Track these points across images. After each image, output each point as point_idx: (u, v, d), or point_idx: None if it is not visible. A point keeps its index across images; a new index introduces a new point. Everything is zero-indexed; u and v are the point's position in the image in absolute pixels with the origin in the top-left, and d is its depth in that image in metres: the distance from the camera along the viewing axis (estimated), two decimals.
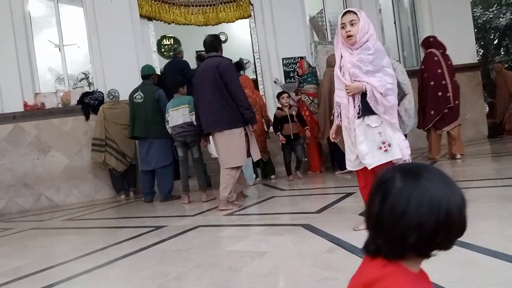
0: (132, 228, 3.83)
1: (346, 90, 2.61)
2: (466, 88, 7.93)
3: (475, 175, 4.11)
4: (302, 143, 5.76)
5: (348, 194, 3.98)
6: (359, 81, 2.56)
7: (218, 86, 3.91)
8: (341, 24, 2.64)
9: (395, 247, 0.75)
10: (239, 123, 3.95)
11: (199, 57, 7.73)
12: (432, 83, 5.38)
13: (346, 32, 2.59)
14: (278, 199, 4.45)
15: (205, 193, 4.91)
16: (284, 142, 5.48)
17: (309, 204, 3.99)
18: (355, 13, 2.60)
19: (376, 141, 2.53)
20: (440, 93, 5.29)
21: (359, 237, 2.51)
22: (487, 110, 9.28)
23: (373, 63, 2.53)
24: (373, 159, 2.54)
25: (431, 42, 5.62)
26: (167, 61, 10.61)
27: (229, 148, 3.98)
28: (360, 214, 3.02)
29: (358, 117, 2.58)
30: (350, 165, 2.75)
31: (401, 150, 2.50)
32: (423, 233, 0.72)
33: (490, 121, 8.34)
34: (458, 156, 5.44)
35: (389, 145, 2.50)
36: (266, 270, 2.12)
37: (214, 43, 4.15)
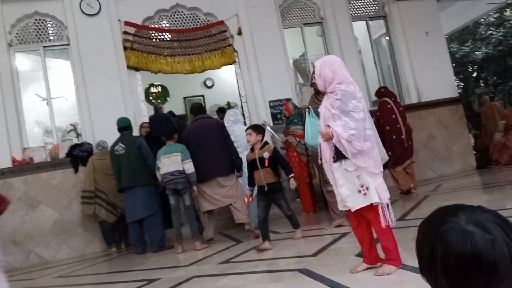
0: (124, 283, 3.73)
1: (321, 137, 2.71)
2: (450, 121, 8.12)
3: None
4: (284, 197, 4.21)
5: (344, 235, 3.95)
6: (329, 126, 2.64)
7: (220, 140, 4.91)
8: None
9: None
10: (234, 169, 4.92)
11: (221, 110, 8.15)
12: (387, 127, 5.82)
13: None
14: (273, 243, 4.38)
15: (198, 241, 4.82)
16: (249, 202, 4.27)
17: (305, 247, 3.94)
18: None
19: (355, 185, 2.57)
20: (394, 136, 5.77)
21: (358, 280, 2.48)
22: (473, 142, 9.43)
23: (339, 107, 2.60)
24: (354, 202, 2.58)
25: (383, 92, 6.18)
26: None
27: (238, 187, 4.94)
28: (356, 255, 2.99)
29: (335, 161, 2.64)
30: (340, 205, 2.76)
31: (378, 194, 2.51)
32: None
33: (478, 154, 8.44)
34: (413, 190, 5.91)
35: (367, 189, 2.53)
36: None
37: (202, 108, 5.43)
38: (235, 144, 5.18)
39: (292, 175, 4.14)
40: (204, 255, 4.37)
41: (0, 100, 6.25)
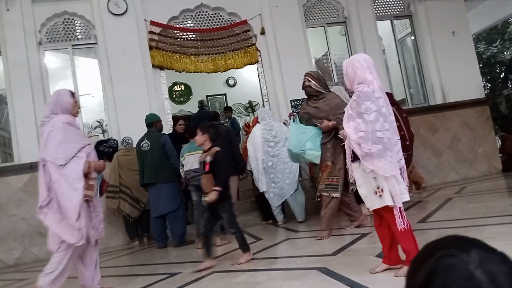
0: (146, 276, 3.82)
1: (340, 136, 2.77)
2: (475, 123, 7.96)
3: (492, 212, 4.06)
4: (229, 210, 3.71)
5: (364, 235, 3.94)
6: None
7: (226, 144, 5.20)
8: None
9: None
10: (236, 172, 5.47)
11: (229, 109, 9.56)
12: None
13: None
14: (292, 241, 4.42)
15: (219, 237, 4.90)
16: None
17: (324, 246, 3.94)
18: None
19: (372, 186, 2.59)
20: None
21: (377, 280, 2.48)
22: (500, 144, 9.21)
23: (355, 108, 2.62)
24: (371, 203, 2.62)
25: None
26: (179, 107, 10.93)
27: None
28: (376, 256, 2.99)
29: (353, 161, 2.67)
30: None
31: (392, 197, 2.51)
32: None
33: (504, 156, 8.23)
34: (423, 184, 6.25)
35: (382, 191, 2.53)
36: None
37: (216, 116, 6.30)
38: (274, 139, 5.52)
39: (216, 188, 3.53)
40: (224, 251, 4.44)
41: (29, 96, 6.45)
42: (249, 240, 4.81)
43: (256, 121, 5.90)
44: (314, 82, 4.35)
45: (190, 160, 4.94)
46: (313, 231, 4.78)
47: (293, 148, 4.34)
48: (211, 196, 3.50)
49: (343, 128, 3.98)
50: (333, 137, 4.20)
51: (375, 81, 2.65)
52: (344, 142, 2.80)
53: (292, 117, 4.51)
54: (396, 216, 2.50)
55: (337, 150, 4.21)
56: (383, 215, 2.63)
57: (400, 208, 2.52)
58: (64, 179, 3.00)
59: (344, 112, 4.08)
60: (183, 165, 5.01)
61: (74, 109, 3.33)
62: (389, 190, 2.52)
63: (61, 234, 2.97)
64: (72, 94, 3.35)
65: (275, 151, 5.51)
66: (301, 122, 4.43)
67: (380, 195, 2.54)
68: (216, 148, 3.70)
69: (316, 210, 6.15)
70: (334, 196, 4.20)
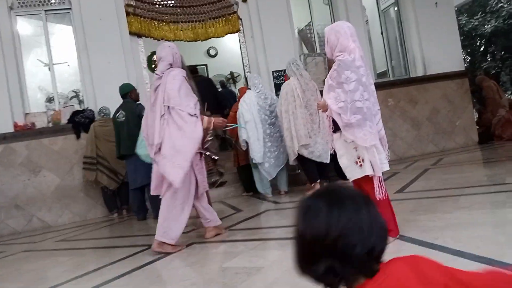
0: (125, 247, 3.79)
1: (318, 108, 2.73)
2: (454, 95, 8.04)
3: (468, 182, 4.14)
4: None
5: None
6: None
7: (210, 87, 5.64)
8: None
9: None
10: None
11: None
12: None
13: None
14: (272, 212, 4.44)
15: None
16: None
17: None
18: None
19: (353, 156, 2.59)
20: None
21: None
22: (477, 117, 9.36)
23: (336, 78, 2.59)
24: (351, 173, 2.62)
25: None
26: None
27: None
28: None
29: (334, 132, 2.65)
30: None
31: (373, 166, 2.52)
32: None
33: (481, 129, 8.38)
34: None
35: (363, 161, 2.53)
36: (262, 286, 2.10)
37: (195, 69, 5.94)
38: (270, 108, 5.43)
39: None
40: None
41: (1, 65, 6.20)
42: (230, 211, 4.82)
43: (244, 91, 5.73)
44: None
45: None
46: (293, 202, 4.81)
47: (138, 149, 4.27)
48: None
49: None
50: None
51: (357, 50, 2.60)
52: None
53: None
54: (375, 185, 2.51)
55: None
56: (362, 185, 2.63)
57: (379, 177, 2.53)
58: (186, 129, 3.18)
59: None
60: None
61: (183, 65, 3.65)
62: (369, 159, 2.52)
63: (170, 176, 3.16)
64: None
65: (272, 120, 5.44)
66: None
67: (361, 165, 2.54)
68: None
69: (295, 182, 6.20)
70: None
